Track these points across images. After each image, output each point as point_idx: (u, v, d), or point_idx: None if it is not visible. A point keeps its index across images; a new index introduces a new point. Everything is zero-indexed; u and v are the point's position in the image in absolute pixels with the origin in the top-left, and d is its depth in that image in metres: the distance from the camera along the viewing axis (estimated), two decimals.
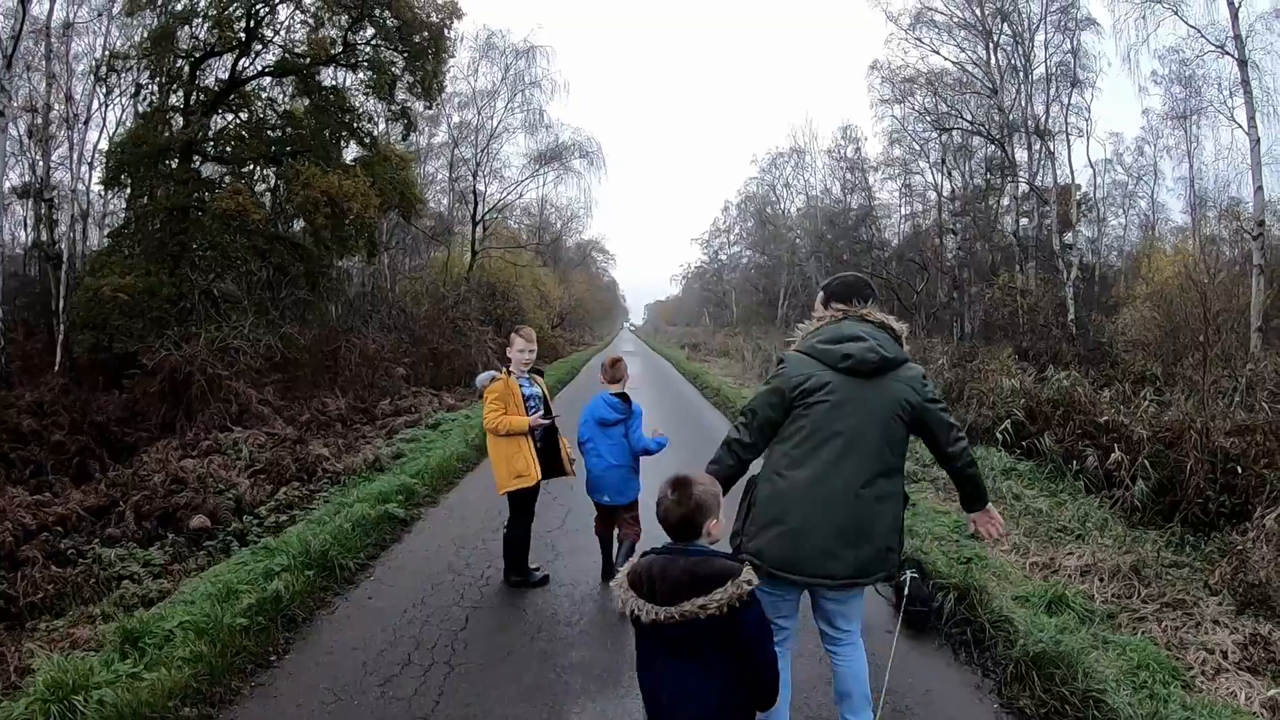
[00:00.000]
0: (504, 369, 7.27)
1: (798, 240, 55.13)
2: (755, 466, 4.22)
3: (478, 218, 41.11)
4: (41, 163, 26.98)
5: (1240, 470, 8.65)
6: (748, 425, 4.11)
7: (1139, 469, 9.53)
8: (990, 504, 4.40)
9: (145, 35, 23.39)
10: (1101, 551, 7.81)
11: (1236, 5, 21.59)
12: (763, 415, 4.07)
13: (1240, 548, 7.33)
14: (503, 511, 7.77)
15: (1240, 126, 22.94)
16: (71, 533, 10.16)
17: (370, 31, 25.12)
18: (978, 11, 32.46)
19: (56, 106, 27.08)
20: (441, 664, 5.69)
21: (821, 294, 4.49)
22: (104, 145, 27.50)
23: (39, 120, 26.94)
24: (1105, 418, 11.41)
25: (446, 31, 26.25)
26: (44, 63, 26.07)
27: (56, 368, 21.98)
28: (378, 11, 24.20)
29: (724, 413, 20.01)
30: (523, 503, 7.24)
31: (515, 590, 7.26)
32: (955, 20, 33.35)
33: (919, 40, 34.69)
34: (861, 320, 4.15)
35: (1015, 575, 7.22)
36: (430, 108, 30.58)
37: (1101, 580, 7.22)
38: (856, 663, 4.25)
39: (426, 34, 25.29)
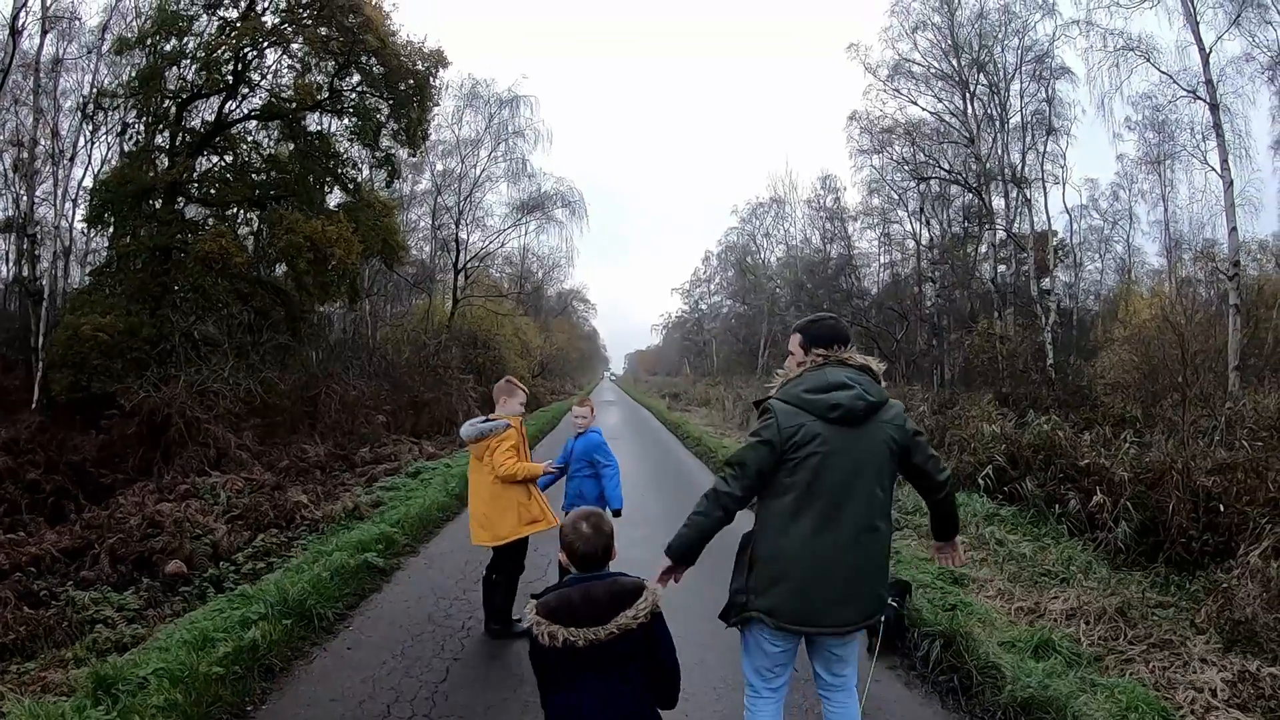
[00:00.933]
0: (491, 417, 7.33)
1: (778, 290, 55.43)
2: (741, 520, 4.22)
3: (460, 265, 41.13)
4: (25, 198, 26.95)
5: (1223, 508, 8.70)
6: (737, 478, 4.01)
7: (1122, 511, 9.57)
8: (958, 537, 4.49)
9: (133, 74, 23.48)
10: (1087, 594, 7.81)
11: (1208, 51, 22.04)
12: (753, 468, 3.97)
13: (1226, 585, 7.34)
14: (483, 562, 7.81)
15: (1214, 169, 23.33)
16: (45, 574, 10.14)
17: (356, 78, 25.29)
18: (954, 63, 32.90)
19: (43, 142, 27.08)
20: (421, 717, 5.62)
21: (799, 336, 4.35)
22: (89, 182, 27.58)
23: (24, 155, 26.94)
24: (1086, 460, 11.45)
25: (432, 80, 26.49)
26: (31, 97, 26.12)
27: (34, 405, 21.82)
28: (364, 59, 24.37)
29: (705, 462, 19.98)
30: (515, 552, 7.31)
31: (497, 642, 7.19)
32: (932, 71, 33.79)
33: (897, 91, 35.12)
34: (843, 365, 4.11)
35: (1000, 621, 7.21)
36: (414, 155, 30.70)
37: (1088, 623, 7.20)
38: (850, 708, 4.28)
39: (412, 82, 25.47)
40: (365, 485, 15.78)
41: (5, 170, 27.14)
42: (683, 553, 4.13)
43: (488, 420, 7.31)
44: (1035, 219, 32.30)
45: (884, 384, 4.18)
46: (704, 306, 78.07)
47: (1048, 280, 32.60)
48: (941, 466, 4.21)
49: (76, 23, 26.87)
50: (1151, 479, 9.88)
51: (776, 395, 4.13)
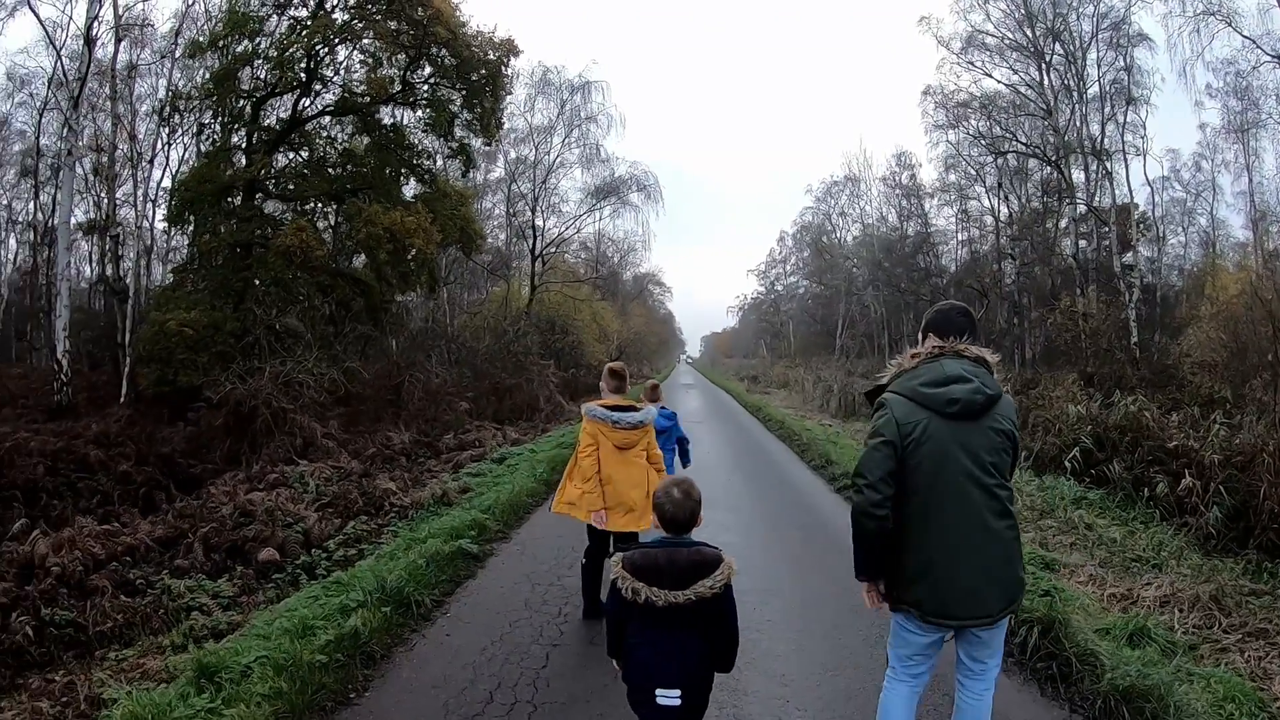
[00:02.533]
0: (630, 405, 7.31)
1: (854, 269, 54.85)
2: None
3: (537, 252, 41.11)
4: (106, 199, 27.51)
5: None
6: (870, 487, 3.84)
7: (1212, 495, 9.30)
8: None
9: (207, 76, 23.93)
10: (1180, 581, 7.62)
11: None
12: (881, 470, 3.83)
13: None
14: (575, 548, 7.84)
15: None
16: (140, 563, 10.16)
17: (428, 70, 25.50)
18: (1029, 33, 32.17)
19: (121, 146, 27.65)
20: (525, 703, 5.52)
21: (922, 324, 4.29)
22: (167, 183, 28.25)
23: (104, 159, 27.51)
24: (1175, 443, 11.19)
25: (504, 69, 26.51)
26: (109, 104, 26.62)
27: (122, 399, 22.34)
28: (435, 50, 24.50)
29: (790, 445, 19.65)
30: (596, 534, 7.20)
31: (593, 627, 7.03)
32: (1007, 42, 33.14)
33: (971, 64, 34.61)
34: (959, 356, 3.96)
35: (1094, 607, 7.02)
36: (489, 144, 30.77)
37: (1181, 611, 7.02)
38: (985, 700, 4.16)
39: (484, 72, 25.54)
40: (452, 472, 15.77)
41: (86, 174, 27.77)
42: (864, 570, 4.04)
43: (634, 410, 7.20)
44: (1116, 192, 31.55)
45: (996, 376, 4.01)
46: (780, 288, 77.60)
47: (1130, 255, 31.84)
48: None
49: (149, 29, 27.48)
50: (1242, 462, 9.61)
51: (892, 388, 4.01)
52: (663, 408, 9.19)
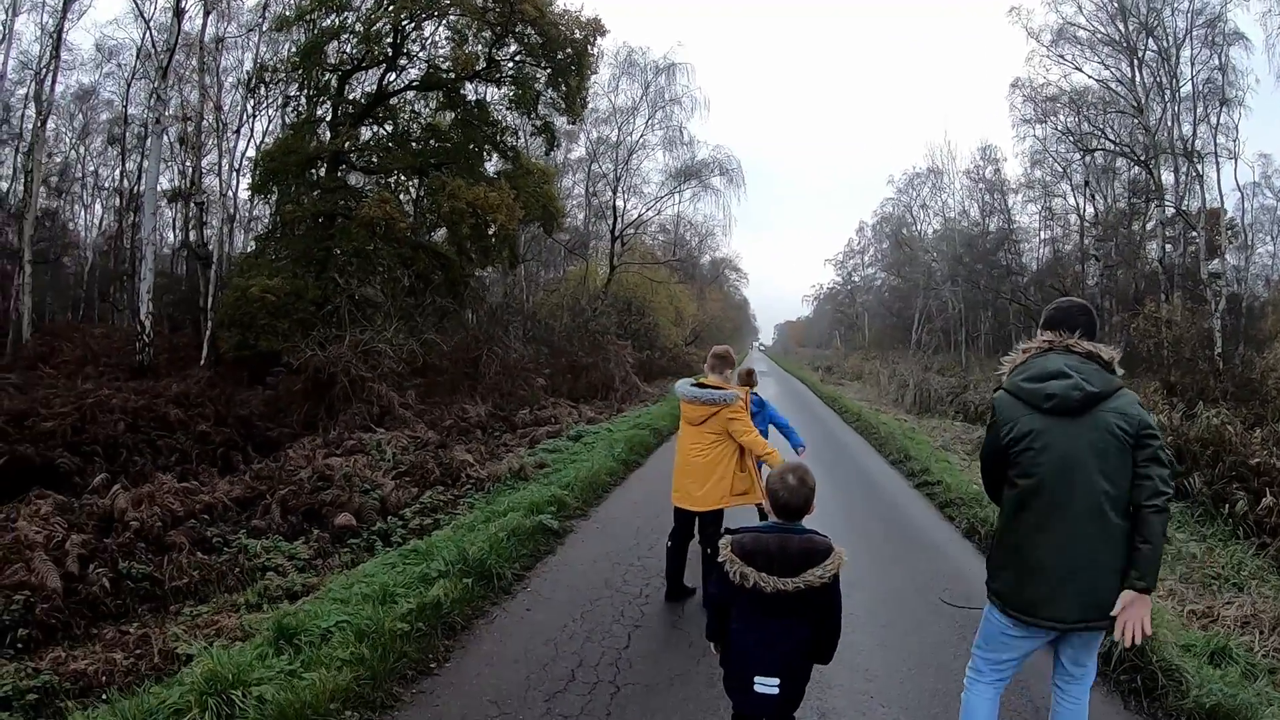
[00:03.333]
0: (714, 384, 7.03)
1: (934, 263, 54.08)
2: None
3: (616, 232, 40.97)
4: (192, 168, 27.92)
5: None
6: (982, 475, 4.15)
7: None
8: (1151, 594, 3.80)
9: (293, 50, 24.17)
10: (1261, 603, 7.44)
11: None
12: (987, 465, 4.03)
13: None
14: (655, 528, 7.83)
15: None
16: (217, 521, 10.28)
17: (514, 48, 25.48)
18: (1121, 27, 31.21)
19: (207, 116, 28.03)
20: (607, 683, 5.38)
21: (1041, 319, 4.21)
22: (251, 153, 28.58)
23: (190, 129, 27.91)
24: (1257, 460, 10.98)
25: (589, 48, 26.36)
26: (196, 75, 27.00)
27: (202, 362, 22.68)
28: (521, 28, 24.47)
29: (866, 438, 19.33)
30: (716, 521, 6.96)
31: (675, 610, 6.94)
32: (1098, 36, 32.18)
33: (1061, 57, 33.61)
34: (1068, 351, 3.86)
35: (1173, 623, 6.76)
36: (573, 122, 30.65)
37: (1262, 633, 6.85)
38: (1081, 706, 4.05)
39: (570, 51, 25.45)
40: (528, 447, 15.70)
41: (172, 143, 28.19)
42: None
43: (717, 389, 6.92)
44: (1207, 196, 30.66)
45: (1120, 372, 3.84)
46: (856, 278, 77.08)
47: (1217, 262, 30.91)
48: (1164, 478, 3.68)
49: (236, 3, 27.78)
50: None
51: (1004, 384, 4.01)
52: (753, 394, 8.85)
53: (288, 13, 24.42)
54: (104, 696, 5.46)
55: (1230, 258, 34.44)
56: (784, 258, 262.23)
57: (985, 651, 4.05)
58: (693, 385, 6.94)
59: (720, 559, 3.58)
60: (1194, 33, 29.76)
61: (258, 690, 4.62)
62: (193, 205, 27.36)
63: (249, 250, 27.32)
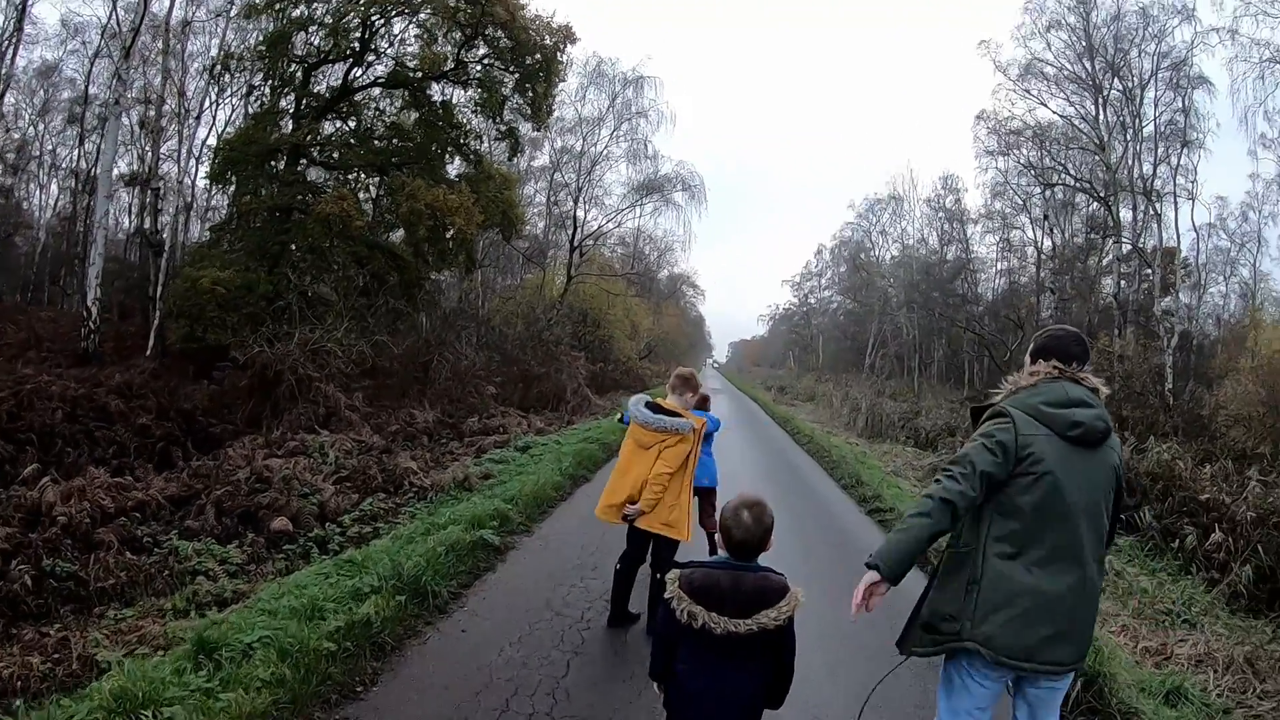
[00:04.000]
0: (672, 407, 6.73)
1: (890, 289, 54.58)
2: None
3: (575, 243, 40.99)
4: (150, 153, 27.48)
5: None
6: (967, 477, 3.43)
7: (1244, 552, 9.18)
8: None
9: (260, 39, 23.87)
10: (1215, 640, 7.42)
11: None
12: (983, 468, 3.43)
13: None
14: (600, 549, 7.66)
15: None
16: (150, 520, 9.96)
17: (483, 50, 25.34)
18: (1088, 65, 31.86)
19: (169, 101, 27.64)
20: (543, 714, 5.13)
21: (1033, 346, 3.95)
22: (212, 141, 28.17)
23: (151, 112, 27.50)
24: (1206, 495, 11.02)
25: (559, 55, 26.32)
26: (160, 58, 26.60)
27: (149, 352, 22.26)
28: (491, 31, 24.36)
29: (818, 461, 19.18)
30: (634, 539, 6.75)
31: (619, 636, 6.68)
32: (1065, 73, 32.79)
33: (1027, 92, 34.21)
34: (1076, 382, 3.66)
35: (1126, 660, 6.69)
36: (539, 129, 30.64)
37: (1215, 671, 6.79)
38: None
39: (539, 56, 25.38)
40: (474, 456, 15.50)
41: (132, 126, 27.76)
42: (896, 565, 3.41)
43: (672, 415, 6.59)
44: (1164, 234, 31.20)
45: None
46: (813, 300, 78.08)
47: (1169, 300, 31.45)
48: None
49: None
50: (1275, 521, 9.48)
51: (1008, 404, 3.67)
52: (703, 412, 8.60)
53: (257, 1, 24.08)
54: (14, 706, 5.24)
55: (1183, 296, 35.05)
56: (742, 276, 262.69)
57: (958, 706, 3.68)
58: (647, 406, 6.62)
59: (667, 595, 3.35)
60: (1159, 74, 30.37)
61: (169, 711, 4.40)
62: (149, 191, 26.90)
63: (204, 240, 26.92)
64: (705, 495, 8.58)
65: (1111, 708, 5.58)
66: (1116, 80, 31.26)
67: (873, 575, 3.39)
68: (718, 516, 3.66)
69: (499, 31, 24.43)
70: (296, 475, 11.61)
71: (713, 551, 8.06)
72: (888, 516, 12.04)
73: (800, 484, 15.77)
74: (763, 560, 3.44)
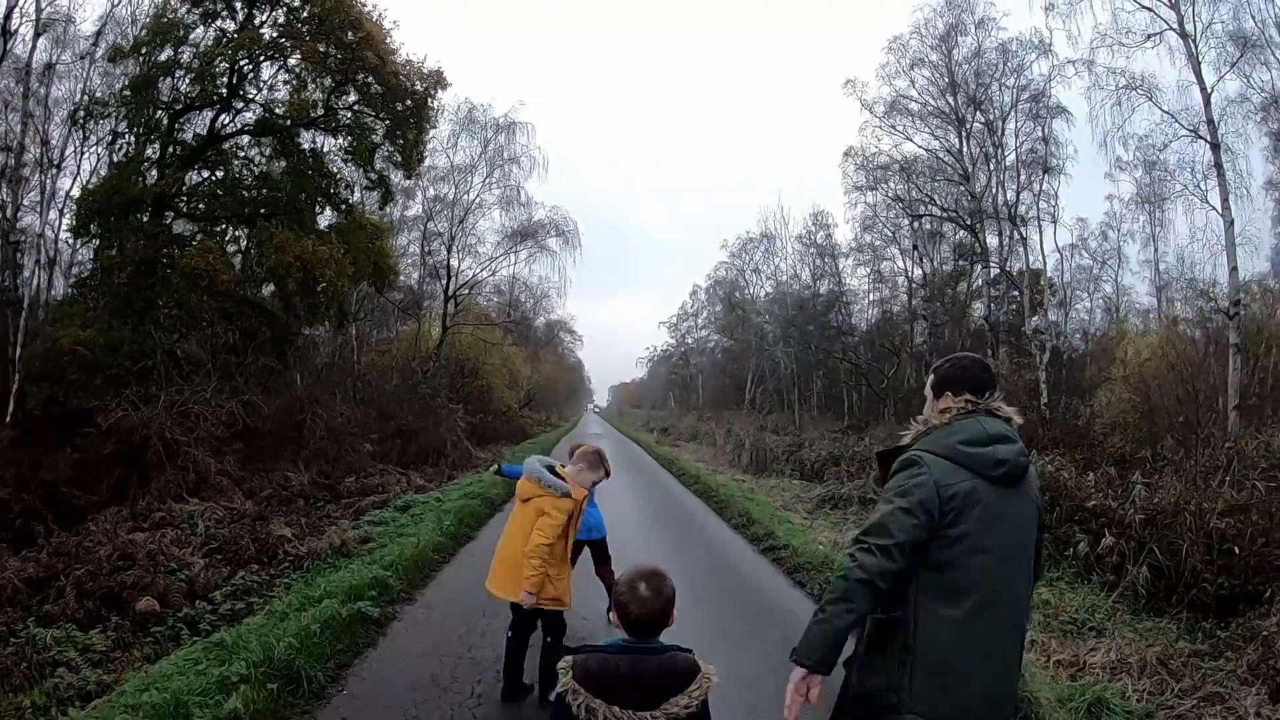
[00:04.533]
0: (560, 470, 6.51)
1: (766, 325, 55.36)
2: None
3: (450, 293, 40.60)
4: (10, 205, 26.41)
5: (1238, 551, 8.54)
6: (885, 551, 3.12)
7: (1136, 554, 9.41)
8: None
9: (127, 84, 23.08)
10: (1126, 646, 7.54)
11: (1209, 91, 22.19)
12: (903, 538, 3.12)
13: (1265, 634, 7.08)
14: (487, 614, 7.46)
15: (1214, 209, 23.32)
16: (5, 606, 9.40)
17: (353, 97, 24.92)
18: (951, 100, 33.27)
19: (31, 149, 26.62)
20: None
21: (933, 378, 3.66)
22: (77, 192, 27.18)
23: (11, 161, 26.45)
24: (1094, 502, 11.21)
25: (430, 101, 26.09)
26: (21, 102, 25.63)
27: (8, 419, 21.21)
28: (362, 77, 24.00)
29: (707, 502, 19.19)
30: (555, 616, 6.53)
31: (511, 712, 6.42)
32: (929, 108, 34.13)
33: (893, 128, 35.40)
34: (991, 415, 3.41)
35: (1042, 676, 6.79)
36: (410, 178, 30.31)
37: (1132, 677, 6.90)
38: None
39: (410, 103, 25.11)
40: (352, 519, 15.09)
41: None
42: (821, 657, 3.16)
43: (553, 474, 6.39)
44: (1030, 257, 32.58)
45: None
46: (690, 340, 78.83)
47: (1038, 318, 32.62)
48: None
49: (71, 28, 26.44)
50: (1163, 521, 9.70)
51: (920, 447, 3.38)
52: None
53: (124, 43, 23.36)
54: None
55: (1051, 314, 36.37)
56: (620, 320, 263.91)
57: None
58: (545, 466, 6.44)
59: (560, 688, 2.99)
60: (1019, 106, 31.91)
61: None
62: (7, 245, 25.80)
63: (67, 297, 25.93)
64: (596, 546, 8.69)
65: None
66: (979, 113, 32.71)
67: (800, 671, 3.18)
68: (614, 590, 3.30)
69: (370, 77, 24.07)
70: (163, 549, 11.10)
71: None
72: (783, 554, 12.03)
73: (691, 527, 15.78)
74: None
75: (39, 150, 26.05)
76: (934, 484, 3.18)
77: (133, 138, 23.60)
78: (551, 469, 6.42)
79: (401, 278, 37.64)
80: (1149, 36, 23.33)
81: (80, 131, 26.61)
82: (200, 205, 23.56)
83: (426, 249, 41.23)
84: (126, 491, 15.59)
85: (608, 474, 6.87)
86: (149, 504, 14.41)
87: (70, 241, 27.84)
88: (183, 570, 10.60)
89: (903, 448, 3.48)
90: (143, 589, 9.75)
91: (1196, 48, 22.30)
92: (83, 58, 26.57)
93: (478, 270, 43.07)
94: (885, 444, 3.69)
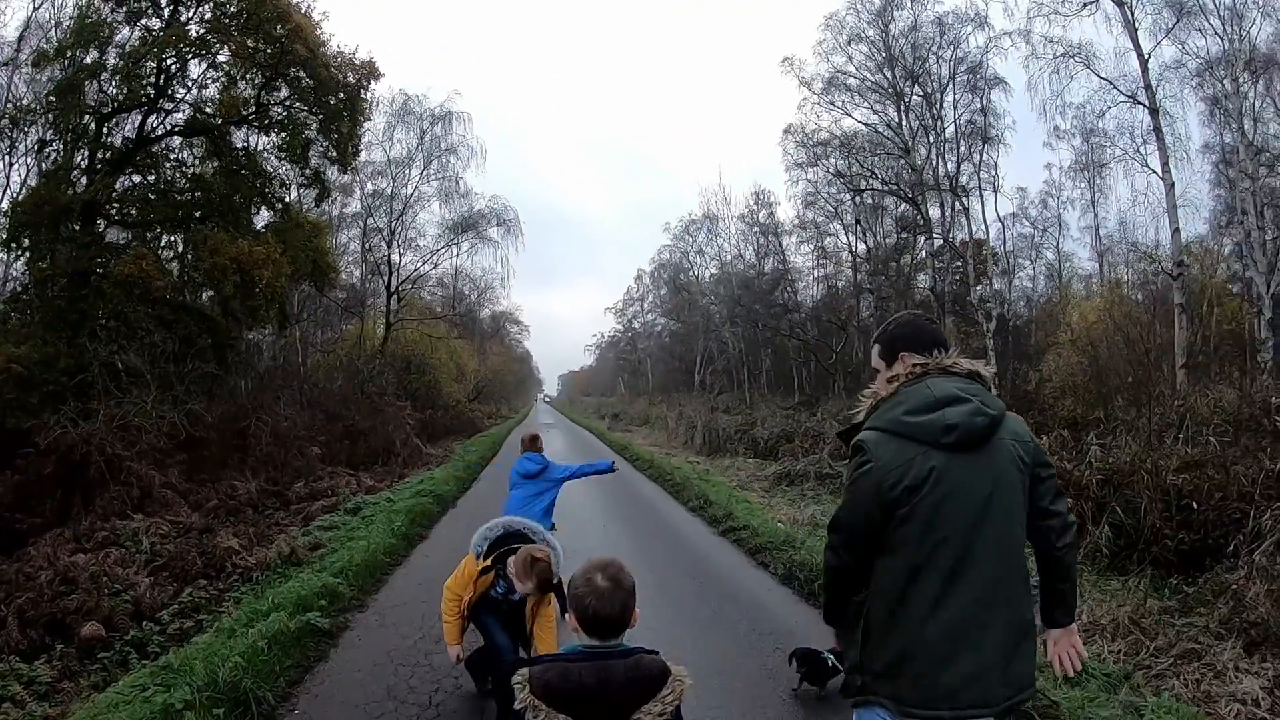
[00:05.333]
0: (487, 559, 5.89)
1: (712, 306, 55.89)
2: None
3: (392, 288, 40.30)
4: None
5: (1195, 506, 8.67)
6: (846, 546, 3.15)
7: (1096, 514, 9.52)
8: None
9: (51, 89, 22.51)
10: (1098, 607, 7.60)
11: (1146, 57, 22.71)
12: (861, 529, 3.09)
13: (1234, 587, 7.16)
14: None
15: (1155, 172, 23.76)
16: None
17: (285, 92, 24.58)
18: (888, 75, 33.62)
19: None
20: None
21: (879, 347, 3.46)
22: (6, 204, 26.56)
23: None
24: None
25: (363, 93, 25.88)
26: None
27: None
28: (293, 71, 23.62)
29: (662, 485, 19.26)
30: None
31: (475, 704, 6.26)
32: (867, 84, 34.45)
33: (832, 104, 35.71)
34: (946, 374, 3.17)
35: None
36: (344, 172, 29.83)
37: (1107, 639, 6.97)
38: None
39: (342, 95, 24.82)
40: (301, 525, 14.79)
41: None
42: (835, 617, 3.35)
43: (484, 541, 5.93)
44: (973, 227, 33.09)
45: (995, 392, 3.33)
46: (637, 325, 79.73)
47: (982, 287, 33.03)
48: (1067, 508, 3.28)
49: None
50: (1120, 481, 9.81)
51: (869, 424, 3.20)
52: (536, 452, 8.95)
53: (48, 47, 22.77)
54: None
55: (995, 283, 36.65)
56: (567, 309, 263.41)
57: None
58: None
59: (518, 705, 2.75)
60: (956, 79, 32.40)
61: None
62: None
63: None
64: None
65: (1028, 708, 5.34)
66: (917, 86, 33.17)
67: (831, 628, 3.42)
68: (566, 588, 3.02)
69: (300, 71, 23.72)
70: (106, 570, 10.76)
71: (560, 598, 7.50)
72: (743, 535, 12.08)
73: (649, 513, 15.76)
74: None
75: None
76: (877, 471, 3.03)
77: (61, 145, 23.02)
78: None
79: (344, 276, 37.27)
80: (1085, 4, 23.85)
81: (6, 140, 25.97)
82: (132, 211, 23.02)
83: (367, 245, 40.91)
84: (70, 512, 15.16)
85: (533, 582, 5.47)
86: (91, 523, 13.97)
87: (3, 256, 27.29)
88: (128, 591, 10.29)
89: (859, 425, 3.29)
90: (87, 614, 9.46)
91: (1133, 14, 22.65)
92: (5, 63, 25.95)
93: (419, 264, 42.97)
94: (841, 422, 3.51)
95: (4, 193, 27.05)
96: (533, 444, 8.94)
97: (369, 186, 40.15)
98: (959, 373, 3.18)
